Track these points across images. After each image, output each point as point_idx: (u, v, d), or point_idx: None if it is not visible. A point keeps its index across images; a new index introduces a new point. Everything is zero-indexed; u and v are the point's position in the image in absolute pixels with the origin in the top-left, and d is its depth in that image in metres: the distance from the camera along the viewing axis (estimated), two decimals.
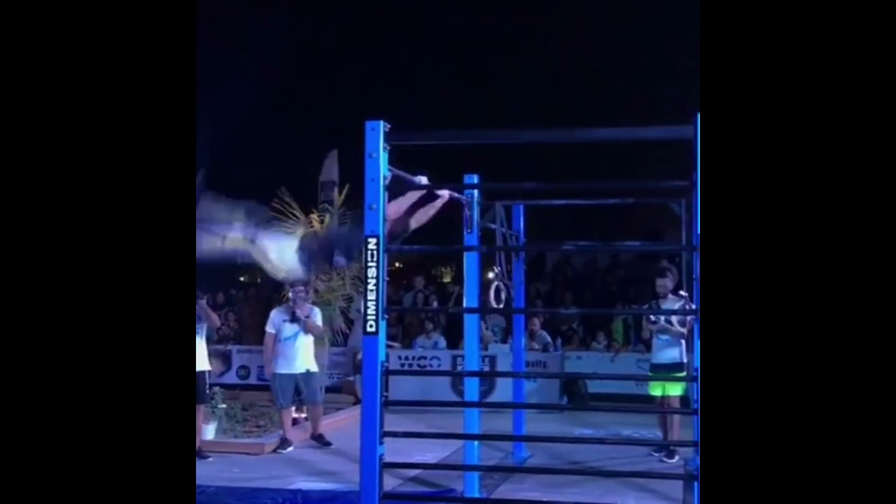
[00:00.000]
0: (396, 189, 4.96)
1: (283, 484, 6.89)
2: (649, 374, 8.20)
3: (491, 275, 7.18)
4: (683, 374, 7.58)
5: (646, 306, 8.91)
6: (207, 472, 6.91)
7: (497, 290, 6.79)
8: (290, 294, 8.64)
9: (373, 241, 4.61)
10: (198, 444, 7.53)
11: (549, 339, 11.89)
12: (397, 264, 18.08)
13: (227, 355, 13.17)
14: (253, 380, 12.90)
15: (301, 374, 8.48)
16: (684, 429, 7.63)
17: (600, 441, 7.50)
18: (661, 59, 15.59)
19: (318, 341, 9.07)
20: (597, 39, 16.81)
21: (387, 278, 4.69)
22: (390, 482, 5.83)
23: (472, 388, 6.78)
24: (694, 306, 4.84)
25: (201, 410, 7.92)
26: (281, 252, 5.40)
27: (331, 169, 10.71)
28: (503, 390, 10.28)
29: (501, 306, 6.97)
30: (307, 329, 8.51)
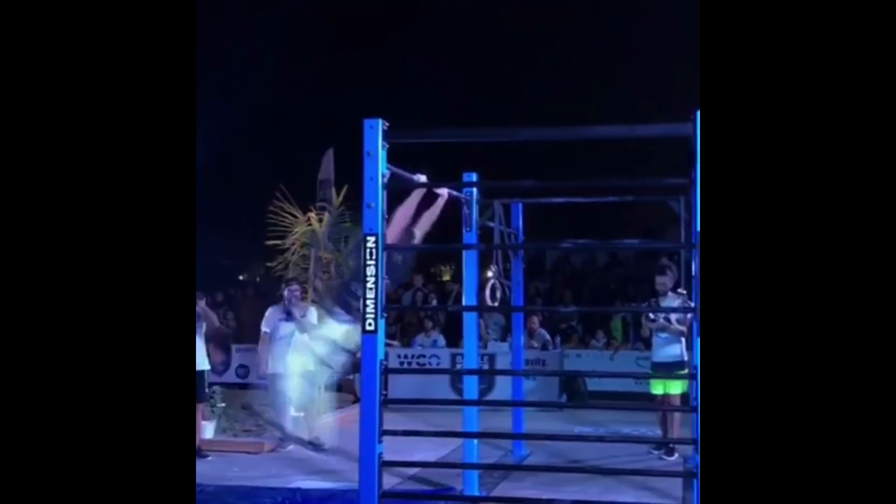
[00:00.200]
0: (395, 189, 4.95)
1: (282, 483, 6.88)
2: (650, 372, 8.19)
3: (489, 273, 7.18)
4: (685, 371, 7.57)
5: (645, 304, 8.90)
6: (207, 471, 6.91)
7: (493, 289, 6.79)
8: (286, 293, 8.54)
9: (371, 239, 4.61)
10: (197, 443, 7.52)
11: (548, 337, 11.89)
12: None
13: (227, 344, 13.17)
14: (252, 379, 12.89)
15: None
16: (683, 427, 7.64)
17: (599, 439, 7.51)
18: (660, 57, 15.58)
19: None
20: (596, 38, 16.81)
21: (385, 276, 4.69)
22: (389, 480, 5.83)
23: (471, 386, 6.78)
24: (693, 304, 4.84)
25: (200, 409, 7.92)
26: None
27: (328, 167, 10.69)
28: (502, 388, 10.28)
29: (496, 304, 6.97)
30: (303, 328, 8.44)
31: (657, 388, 8.08)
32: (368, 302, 4.59)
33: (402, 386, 9.53)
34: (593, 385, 11.30)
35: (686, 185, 5.18)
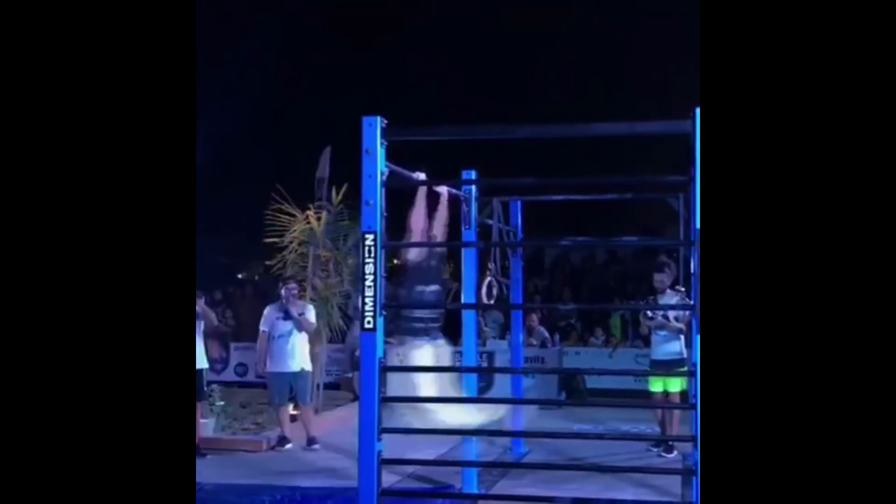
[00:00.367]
0: (394, 187, 4.94)
1: (281, 481, 6.88)
2: (649, 369, 8.18)
3: (490, 270, 7.17)
4: (684, 368, 7.57)
5: (643, 302, 8.90)
6: (206, 470, 6.90)
7: (489, 286, 6.79)
8: (283, 292, 8.52)
9: (370, 237, 4.60)
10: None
11: (547, 334, 11.89)
12: (395, 261, 18.07)
13: (226, 342, 13.18)
14: (251, 377, 12.90)
15: (295, 373, 8.40)
16: (682, 424, 7.64)
17: (599, 436, 7.50)
18: (660, 56, 15.58)
19: (315, 339, 9.03)
20: (596, 37, 16.80)
21: (384, 274, 4.68)
22: (389, 478, 5.82)
23: (470, 384, 6.77)
24: (691, 301, 4.84)
25: (199, 408, 7.91)
26: None
27: (325, 166, 10.68)
28: (501, 386, 10.26)
29: (492, 302, 6.97)
30: (301, 327, 8.44)
31: (656, 385, 8.07)
32: (367, 300, 4.59)
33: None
34: (592, 382, 11.29)
35: (685, 182, 5.18)
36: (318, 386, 9.52)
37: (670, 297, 7.82)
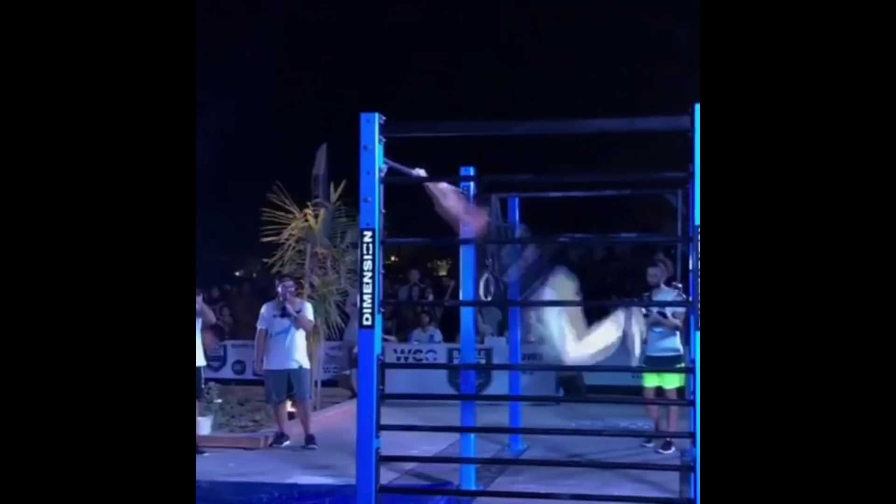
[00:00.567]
0: (393, 184, 4.94)
1: (279, 478, 6.88)
2: (643, 365, 8.17)
3: (487, 266, 7.16)
4: (681, 365, 7.56)
5: (638, 299, 8.89)
6: (203, 468, 6.88)
7: (487, 283, 6.79)
8: (280, 289, 8.51)
9: (368, 234, 4.60)
10: None
11: None
12: (392, 258, 18.08)
13: (222, 328, 13.15)
14: (248, 375, 12.88)
15: (292, 370, 8.38)
16: (680, 420, 7.65)
17: (597, 433, 7.50)
18: (660, 52, 15.58)
19: (312, 336, 9.02)
20: (594, 32, 16.80)
21: (382, 271, 4.68)
22: (387, 475, 5.83)
23: (468, 381, 6.78)
24: (688, 297, 4.84)
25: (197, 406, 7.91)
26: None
27: (321, 163, 10.67)
28: (499, 383, 10.28)
29: (490, 299, 6.96)
30: (298, 324, 8.43)
31: (650, 381, 8.07)
32: (365, 297, 4.58)
33: (399, 381, 9.52)
34: (590, 379, 11.29)
35: (684, 178, 5.18)
36: (315, 383, 9.52)
37: (667, 293, 7.80)
